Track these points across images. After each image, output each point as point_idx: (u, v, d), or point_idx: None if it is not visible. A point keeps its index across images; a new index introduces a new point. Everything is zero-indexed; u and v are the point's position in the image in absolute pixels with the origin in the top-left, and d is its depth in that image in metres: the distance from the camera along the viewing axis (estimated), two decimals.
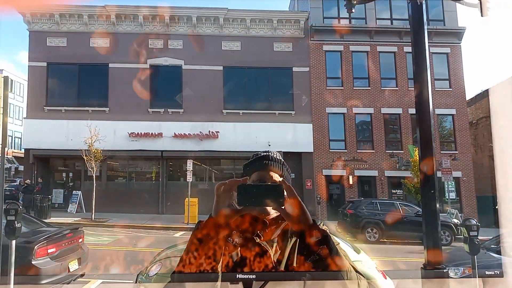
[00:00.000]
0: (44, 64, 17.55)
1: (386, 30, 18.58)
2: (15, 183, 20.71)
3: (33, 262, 4.66)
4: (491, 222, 13.76)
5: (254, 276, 1.21)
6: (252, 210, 1.28)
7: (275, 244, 1.31)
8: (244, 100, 18.02)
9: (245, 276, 1.21)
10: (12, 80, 32.54)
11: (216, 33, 18.12)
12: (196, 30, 18.03)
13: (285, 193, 1.27)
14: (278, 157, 1.46)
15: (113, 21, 17.67)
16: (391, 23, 19.09)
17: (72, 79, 17.83)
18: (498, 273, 1.96)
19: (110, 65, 17.56)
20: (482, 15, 2.94)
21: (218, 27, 18.09)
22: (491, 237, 6.31)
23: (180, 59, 17.90)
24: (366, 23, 18.69)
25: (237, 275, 1.21)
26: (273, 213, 1.33)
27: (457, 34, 18.78)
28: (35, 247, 4.78)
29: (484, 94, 21.65)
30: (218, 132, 17.36)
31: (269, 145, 16.54)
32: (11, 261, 3.94)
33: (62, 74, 17.87)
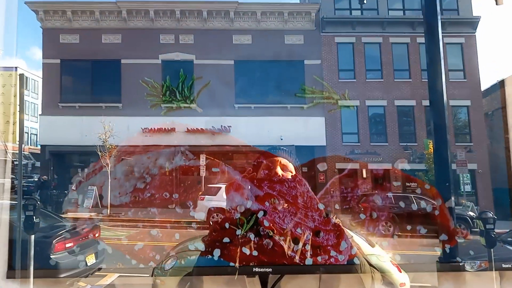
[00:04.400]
0: (58, 61, 17.74)
1: (398, 20, 18.33)
2: (32, 179, 21.07)
3: (51, 257, 4.76)
4: (507, 214, 13.56)
5: (270, 270, 1.23)
6: (264, 205, 1.30)
7: (288, 238, 1.32)
8: (255, 94, 17.99)
9: (262, 270, 1.23)
10: (27, 78, 32.98)
11: (227, 27, 18.09)
12: (207, 25, 18.03)
13: (298, 188, 1.29)
14: (285, 153, 1.47)
15: (124, 16, 17.76)
16: (404, 13, 18.82)
17: (85, 75, 18.00)
18: None
19: (122, 61, 17.67)
20: (497, 4, 2.87)
21: (229, 21, 18.05)
22: (508, 230, 6.24)
23: (191, 53, 17.93)
24: (378, 14, 18.46)
25: (254, 269, 1.23)
26: (285, 206, 1.34)
27: (472, 23, 18.43)
28: (54, 241, 4.88)
29: (500, 85, 21.23)
30: (230, 126, 17.39)
31: (282, 139, 16.51)
32: (30, 255, 4.02)
33: (75, 70, 18.06)
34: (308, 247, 1.29)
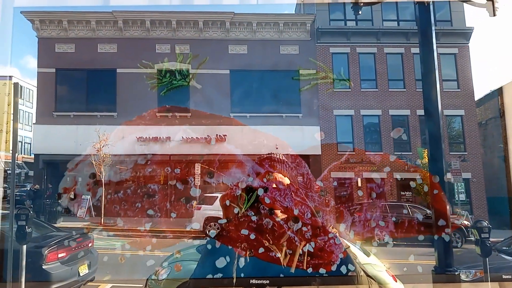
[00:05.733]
0: (53, 70, 17.72)
1: (393, 31, 18.51)
2: (25, 188, 20.89)
3: (43, 267, 4.69)
4: (502, 223, 13.58)
5: (267, 282, 1.22)
6: (260, 214, 1.29)
7: (284, 248, 1.31)
8: (251, 103, 18.03)
9: (259, 282, 1.21)
10: (21, 86, 32.88)
11: (223, 37, 18.18)
12: (202, 35, 18.11)
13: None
14: (281, 159, 1.46)
15: (120, 26, 17.81)
16: (398, 24, 19.01)
17: (80, 84, 17.98)
18: None
19: (118, 70, 17.68)
20: (493, 15, 2.90)
21: (225, 31, 18.15)
22: (502, 239, 6.24)
23: (187, 63, 17.97)
24: (372, 25, 18.63)
25: (251, 281, 1.22)
26: (281, 216, 1.33)
27: (465, 34, 18.65)
28: (46, 251, 4.82)
29: (493, 95, 21.42)
30: (226, 135, 17.38)
31: (277, 148, 16.50)
32: (22, 265, 3.97)
33: (70, 79, 18.04)
34: (304, 256, 1.28)
